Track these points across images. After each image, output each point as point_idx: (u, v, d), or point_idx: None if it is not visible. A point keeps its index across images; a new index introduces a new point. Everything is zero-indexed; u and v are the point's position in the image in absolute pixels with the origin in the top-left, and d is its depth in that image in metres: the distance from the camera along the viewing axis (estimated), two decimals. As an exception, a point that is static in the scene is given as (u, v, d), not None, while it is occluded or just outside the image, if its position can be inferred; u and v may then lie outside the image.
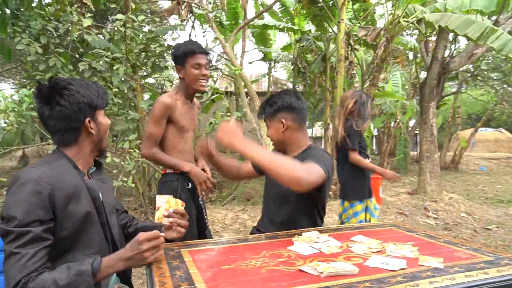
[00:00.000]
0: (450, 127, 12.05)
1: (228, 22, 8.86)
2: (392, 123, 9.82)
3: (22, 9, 3.42)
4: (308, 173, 1.34)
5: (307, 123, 1.86)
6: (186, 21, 5.56)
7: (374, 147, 14.53)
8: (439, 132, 13.69)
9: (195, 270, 1.09)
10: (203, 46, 2.05)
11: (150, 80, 5.11)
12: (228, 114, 4.27)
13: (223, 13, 9.65)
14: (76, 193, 1.17)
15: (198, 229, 2.02)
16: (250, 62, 10.36)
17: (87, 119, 1.25)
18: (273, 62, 10.66)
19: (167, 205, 1.40)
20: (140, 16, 3.10)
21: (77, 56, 3.54)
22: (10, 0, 3.28)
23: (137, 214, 4.32)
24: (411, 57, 9.63)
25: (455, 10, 4.67)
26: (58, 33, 3.28)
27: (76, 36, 3.22)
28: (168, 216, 1.36)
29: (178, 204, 1.42)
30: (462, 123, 14.98)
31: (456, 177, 9.34)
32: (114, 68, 3.05)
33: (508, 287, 0.99)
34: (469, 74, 10.38)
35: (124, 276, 1.43)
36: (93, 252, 1.18)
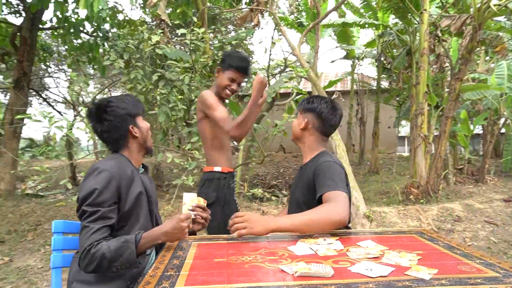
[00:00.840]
0: None
1: (307, 23, 8.88)
2: (502, 120, 8.59)
3: (111, 31, 4.01)
4: (341, 209, 1.45)
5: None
6: (258, 26, 5.79)
7: (480, 146, 12.88)
8: None
9: (190, 260, 1.22)
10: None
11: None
12: (293, 116, 4.32)
13: (303, 14, 9.71)
14: (133, 181, 1.48)
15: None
16: (333, 61, 10.17)
17: (130, 126, 1.54)
18: (356, 59, 10.30)
19: (192, 202, 1.62)
20: (201, 29, 3.38)
21: (156, 68, 4.00)
22: (102, 25, 3.88)
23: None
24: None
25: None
26: (138, 49, 3.76)
27: (150, 50, 3.65)
28: (193, 210, 1.58)
29: (200, 201, 1.64)
30: None
31: None
32: (181, 77, 3.39)
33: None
34: None
35: None
36: (138, 230, 1.44)
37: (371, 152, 9.55)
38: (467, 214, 4.44)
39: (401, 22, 7.66)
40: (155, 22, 4.07)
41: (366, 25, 8.12)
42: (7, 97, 8.73)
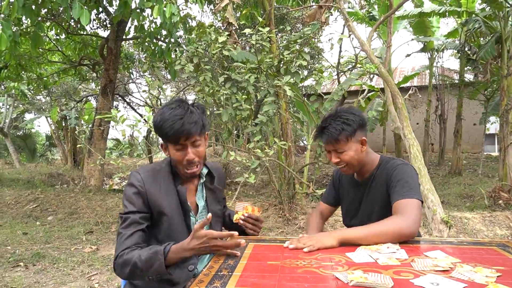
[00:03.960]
0: None
1: (379, 17, 8.43)
2: None
3: (182, 37, 4.22)
4: (411, 222, 1.36)
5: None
6: (326, 24, 5.65)
7: None
8: None
9: (244, 261, 1.23)
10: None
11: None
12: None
13: (375, 7, 9.25)
14: (165, 196, 1.44)
15: None
16: (408, 55, 9.49)
17: (161, 143, 1.52)
18: (435, 52, 9.50)
19: (244, 211, 1.61)
20: (266, 28, 3.39)
21: (224, 70, 4.13)
22: (174, 31, 4.11)
23: (275, 210, 4.67)
24: None
25: None
26: (207, 52, 3.91)
27: (218, 53, 3.77)
28: (244, 220, 1.59)
29: (254, 210, 1.62)
30: None
31: None
32: (246, 77, 3.44)
33: None
34: None
35: None
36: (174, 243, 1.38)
37: (453, 152, 8.73)
38: None
39: (489, 7, 6.90)
40: (224, 26, 4.21)
41: (447, 14, 7.46)
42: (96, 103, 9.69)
